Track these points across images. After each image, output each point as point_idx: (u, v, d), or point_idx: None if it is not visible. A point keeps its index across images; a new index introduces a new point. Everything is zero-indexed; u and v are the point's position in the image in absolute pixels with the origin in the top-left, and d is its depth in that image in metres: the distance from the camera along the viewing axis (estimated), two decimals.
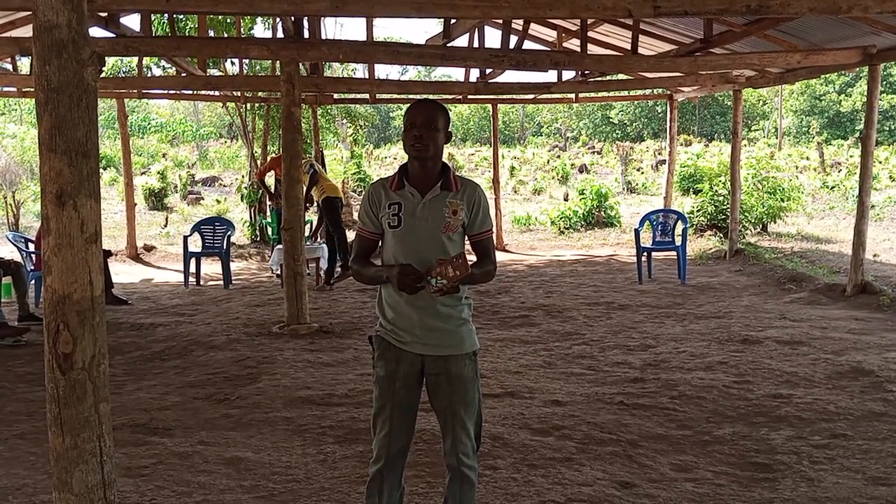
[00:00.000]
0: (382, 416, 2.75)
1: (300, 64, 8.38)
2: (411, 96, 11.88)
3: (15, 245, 8.93)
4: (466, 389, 2.74)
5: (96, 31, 7.23)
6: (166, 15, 9.26)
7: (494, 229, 3.45)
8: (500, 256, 9.82)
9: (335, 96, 13.00)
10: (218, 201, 19.61)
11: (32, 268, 8.29)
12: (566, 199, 19.20)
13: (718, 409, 4.71)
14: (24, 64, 12.36)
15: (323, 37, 9.32)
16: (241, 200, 15.15)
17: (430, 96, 10.14)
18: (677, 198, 16.06)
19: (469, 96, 12.46)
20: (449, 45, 8.29)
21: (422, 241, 2.70)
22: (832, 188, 20.53)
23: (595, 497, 3.52)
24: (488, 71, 10.20)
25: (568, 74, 10.88)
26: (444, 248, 2.69)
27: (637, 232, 9.74)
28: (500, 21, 8.86)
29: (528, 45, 10.03)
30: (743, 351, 6.03)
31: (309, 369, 5.77)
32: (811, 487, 3.60)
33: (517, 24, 9.09)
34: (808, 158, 30.22)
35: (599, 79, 11.02)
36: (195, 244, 10.10)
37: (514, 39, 8.77)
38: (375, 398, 2.79)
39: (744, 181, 12.46)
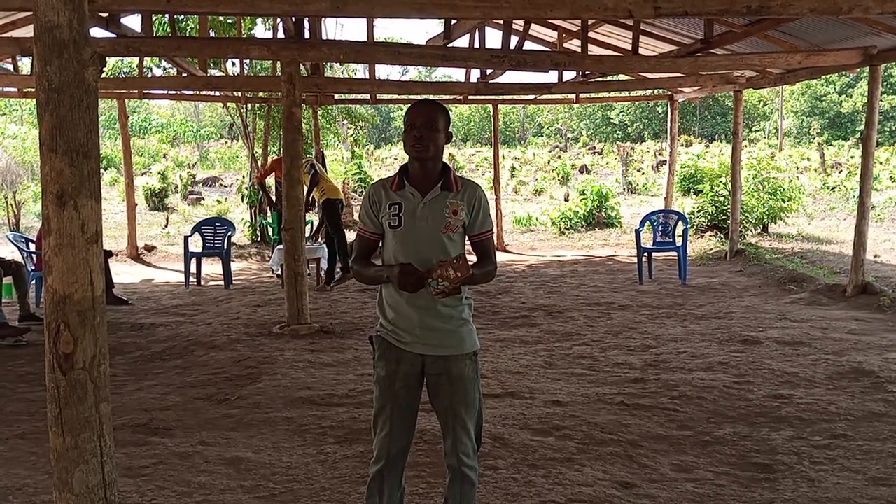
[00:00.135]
0: (383, 416, 2.75)
1: (301, 64, 8.39)
2: (412, 97, 11.89)
3: (16, 245, 8.94)
4: (467, 390, 2.74)
5: (97, 32, 7.24)
6: (167, 15, 9.27)
7: (495, 230, 3.46)
8: (501, 257, 9.82)
9: (336, 97, 13.00)
10: (218, 201, 19.63)
11: (33, 268, 8.29)
12: (567, 200, 19.20)
13: (719, 409, 4.71)
14: (25, 64, 12.35)
15: (323, 37, 9.32)
16: (242, 201, 15.17)
17: (431, 97, 10.13)
18: (678, 198, 16.06)
19: (470, 97, 12.46)
20: (449, 45, 8.29)
21: (422, 242, 2.70)
22: (833, 189, 20.54)
23: (595, 497, 3.53)
24: (489, 71, 10.20)
25: (568, 75, 10.89)
26: (445, 248, 2.70)
27: (637, 232, 9.74)
28: (501, 21, 8.86)
29: (528, 45, 10.04)
30: (743, 351, 6.02)
31: (309, 369, 5.77)
32: (812, 488, 3.60)
33: (518, 24, 9.10)
34: (808, 159, 30.21)
35: (600, 79, 11.02)
36: (196, 244, 10.10)
37: (514, 40, 8.77)
38: (376, 398, 2.79)
39: (744, 182, 12.47)
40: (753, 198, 12.89)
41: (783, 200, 13.25)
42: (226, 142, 35.80)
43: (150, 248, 12.80)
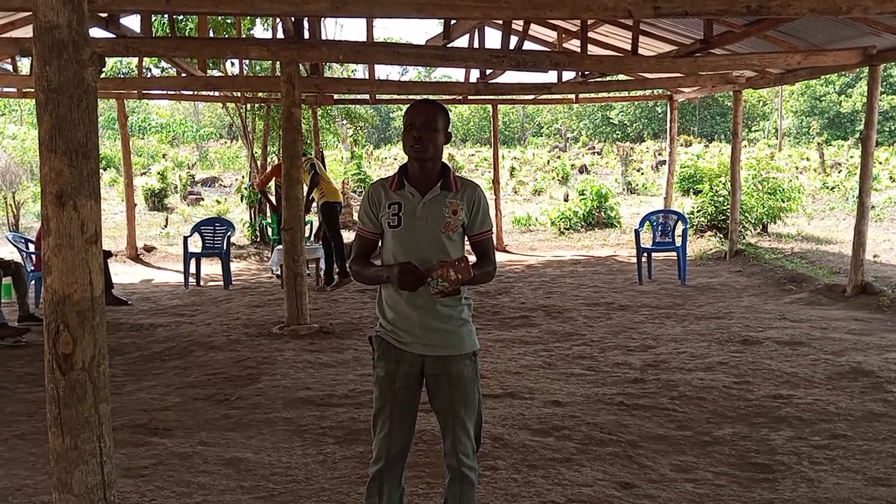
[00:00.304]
0: (382, 416, 2.75)
1: (300, 64, 8.38)
2: (411, 97, 11.88)
3: (15, 245, 8.93)
4: (466, 390, 2.74)
5: (96, 32, 7.24)
6: (166, 15, 9.26)
7: (494, 230, 3.45)
8: (500, 257, 9.82)
9: (335, 97, 12.99)
10: (218, 202, 19.62)
11: (32, 268, 8.29)
12: (566, 200, 19.20)
13: (718, 409, 4.71)
14: (25, 64, 12.35)
15: (323, 37, 9.32)
16: (241, 201, 15.16)
17: (430, 97, 10.13)
18: (677, 198, 16.06)
19: (469, 97, 12.46)
20: (449, 45, 8.29)
21: (422, 241, 2.70)
22: (832, 189, 20.54)
23: (595, 497, 3.53)
24: (488, 71, 10.20)
25: (568, 75, 10.89)
26: (444, 247, 2.70)
27: (637, 232, 9.74)
28: (501, 22, 8.87)
29: (528, 45, 10.04)
30: (743, 351, 6.03)
31: (309, 370, 5.77)
32: (811, 488, 3.60)
33: (517, 24, 9.09)
34: (808, 159, 30.22)
35: (599, 79, 11.02)
36: (195, 245, 10.10)
37: (514, 40, 8.78)
38: (375, 399, 2.79)
39: (744, 182, 12.47)
40: (753, 198, 12.89)
41: (783, 200, 13.25)
42: (225, 142, 35.79)
43: (149, 249, 12.80)
